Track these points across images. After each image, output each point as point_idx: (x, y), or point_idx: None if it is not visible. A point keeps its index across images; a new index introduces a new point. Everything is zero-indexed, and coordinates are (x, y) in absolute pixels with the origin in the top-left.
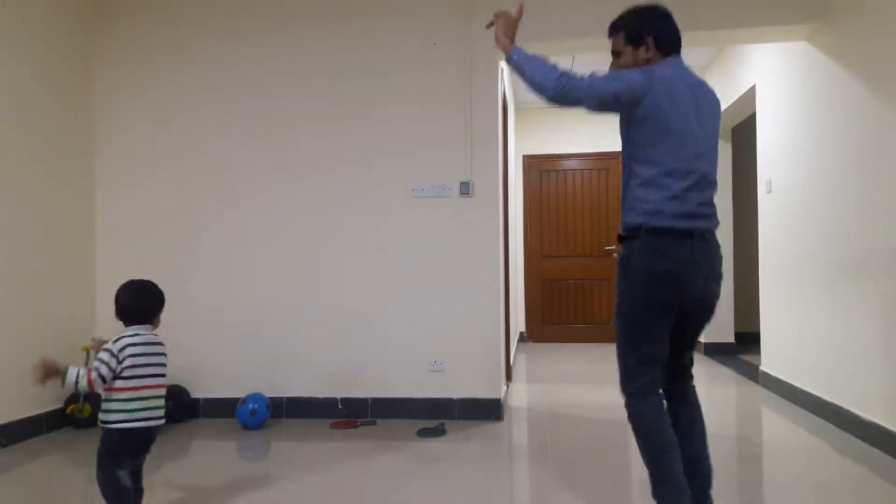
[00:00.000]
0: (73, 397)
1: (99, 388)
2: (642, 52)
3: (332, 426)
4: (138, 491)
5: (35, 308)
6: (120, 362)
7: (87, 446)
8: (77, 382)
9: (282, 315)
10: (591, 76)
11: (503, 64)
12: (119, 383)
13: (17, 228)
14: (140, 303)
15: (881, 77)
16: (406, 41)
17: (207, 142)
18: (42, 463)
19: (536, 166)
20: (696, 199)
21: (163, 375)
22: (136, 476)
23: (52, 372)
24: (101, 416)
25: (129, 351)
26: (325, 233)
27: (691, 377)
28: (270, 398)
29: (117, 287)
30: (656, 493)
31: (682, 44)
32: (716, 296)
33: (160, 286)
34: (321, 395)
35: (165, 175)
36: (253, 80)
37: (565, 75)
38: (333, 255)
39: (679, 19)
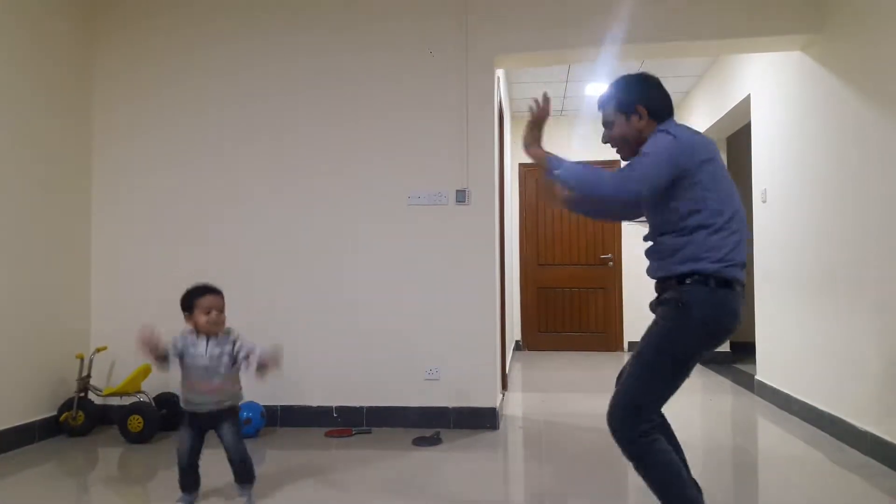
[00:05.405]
0: (67, 405)
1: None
2: (634, 122)
3: (328, 435)
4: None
5: (29, 315)
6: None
7: (81, 455)
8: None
9: (277, 323)
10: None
11: (499, 72)
12: None
13: (12, 234)
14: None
15: (876, 87)
16: (403, 50)
17: (204, 150)
18: (35, 472)
19: (532, 175)
20: (744, 248)
21: None
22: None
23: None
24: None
25: None
26: (321, 241)
27: None
28: (265, 406)
29: (112, 292)
30: None
31: (679, 53)
32: None
33: (155, 290)
34: (316, 404)
35: (162, 183)
36: (251, 84)
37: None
38: (329, 262)
39: (675, 29)
